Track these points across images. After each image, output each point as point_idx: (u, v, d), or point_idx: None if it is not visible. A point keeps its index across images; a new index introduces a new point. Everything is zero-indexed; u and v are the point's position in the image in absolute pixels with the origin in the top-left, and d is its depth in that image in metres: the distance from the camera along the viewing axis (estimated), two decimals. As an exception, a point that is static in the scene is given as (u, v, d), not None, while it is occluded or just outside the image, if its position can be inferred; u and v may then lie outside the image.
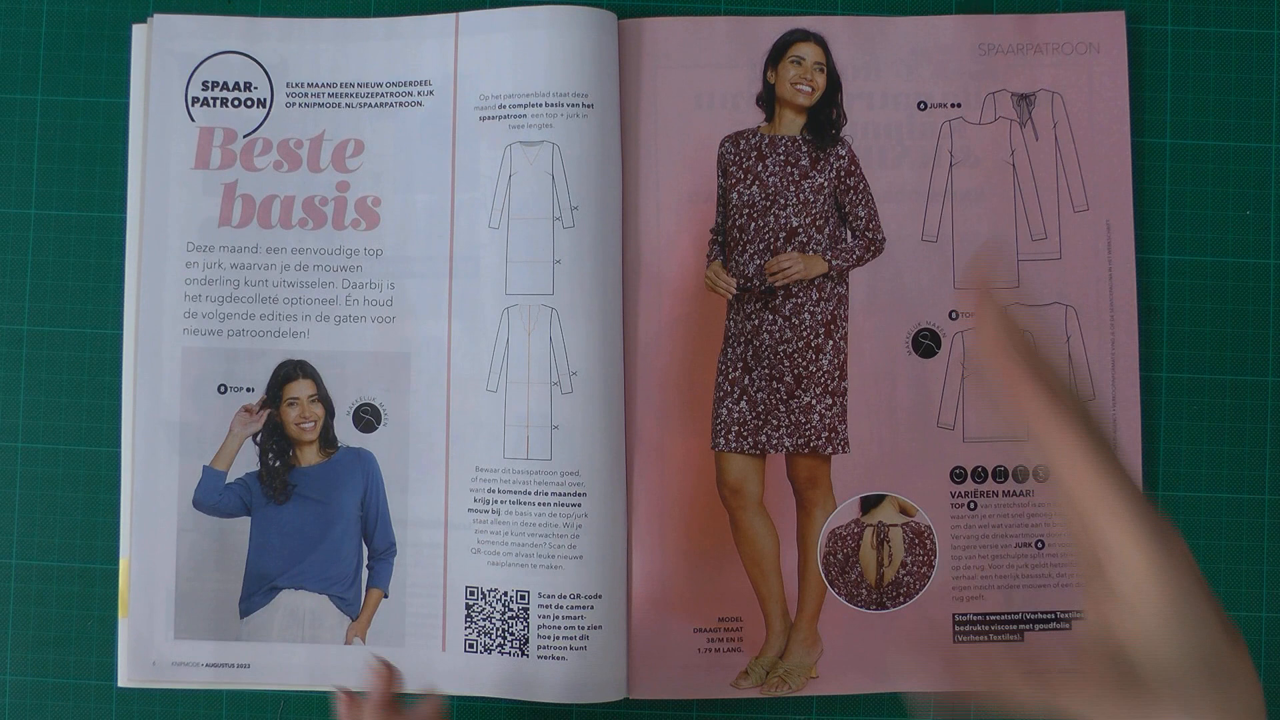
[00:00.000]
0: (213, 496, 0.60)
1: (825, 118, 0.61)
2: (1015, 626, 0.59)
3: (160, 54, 0.61)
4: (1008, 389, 0.41)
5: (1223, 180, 0.61)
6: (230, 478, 0.60)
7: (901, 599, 0.60)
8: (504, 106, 0.60)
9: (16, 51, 0.62)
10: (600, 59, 0.59)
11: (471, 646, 0.59)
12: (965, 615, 0.60)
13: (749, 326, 0.60)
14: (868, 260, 0.60)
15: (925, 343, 0.60)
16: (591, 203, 0.59)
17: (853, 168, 0.61)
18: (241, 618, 0.59)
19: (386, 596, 0.60)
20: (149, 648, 0.59)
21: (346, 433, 0.60)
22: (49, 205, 0.62)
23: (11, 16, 0.62)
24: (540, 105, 0.59)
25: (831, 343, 0.60)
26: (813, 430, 0.60)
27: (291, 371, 0.60)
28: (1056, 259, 0.61)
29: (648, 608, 0.59)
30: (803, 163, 0.61)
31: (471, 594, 0.59)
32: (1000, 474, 0.60)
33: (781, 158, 0.61)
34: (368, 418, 0.60)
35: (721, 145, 0.61)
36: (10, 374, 0.61)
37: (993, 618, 0.60)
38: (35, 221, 0.62)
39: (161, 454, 0.60)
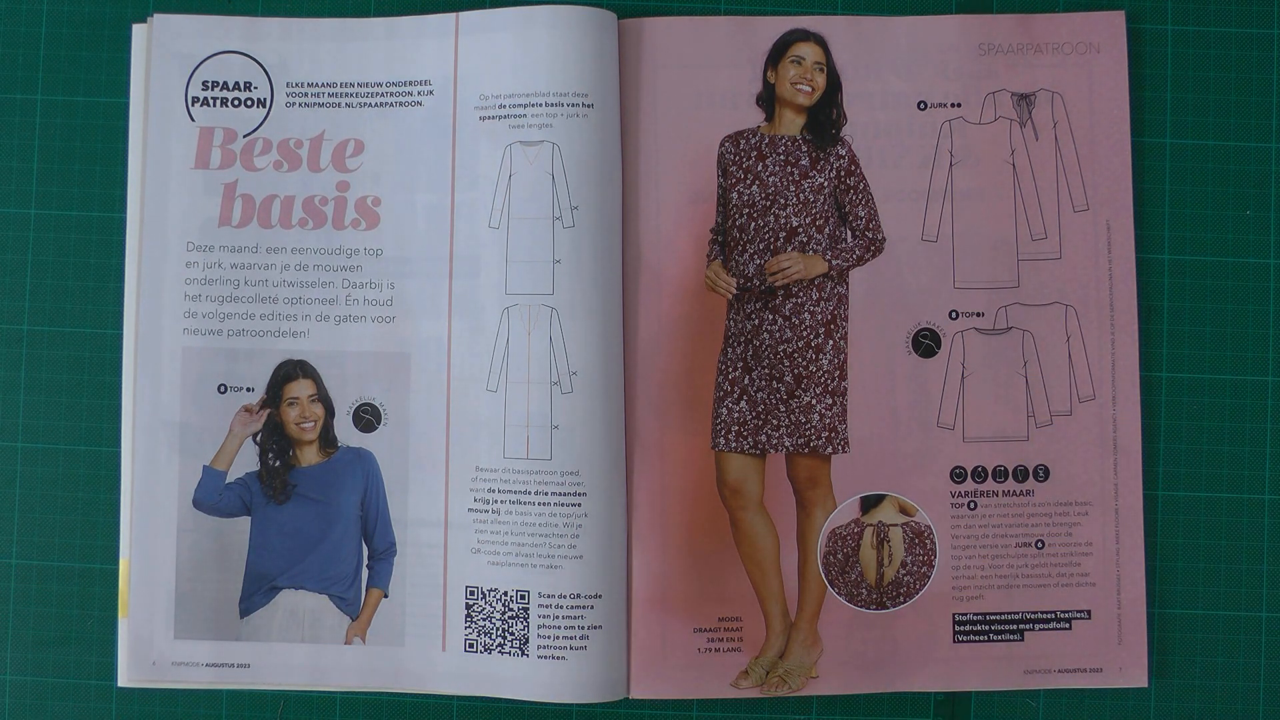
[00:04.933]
0: (213, 496, 0.60)
1: (825, 117, 0.61)
2: (1015, 626, 0.60)
3: (160, 54, 0.61)
4: None
5: (1223, 180, 0.61)
6: (230, 478, 0.60)
7: (901, 599, 0.60)
8: (504, 106, 0.60)
9: (16, 51, 0.62)
10: (600, 59, 0.59)
11: (471, 646, 0.59)
12: (965, 615, 0.60)
13: (749, 326, 0.60)
14: (868, 260, 0.60)
15: (925, 343, 0.60)
16: (591, 203, 0.59)
17: (853, 167, 0.61)
18: (241, 618, 0.59)
19: (386, 596, 0.60)
20: (149, 648, 0.59)
21: (346, 433, 0.60)
22: (49, 205, 0.62)
23: (11, 16, 0.62)
24: (540, 105, 0.59)
25: (831, 343, 0.60)
26: (813, 430, 0.60)
27: (291, 371, 0.60)
28: (1056, 259, 0.61)
29: (648, 608, 0.59)
30: (803, 162, 0.61)
31: (471, 594, 0.59)
32: (1000, 474, 0.60)
33: (781, 157, 0.61)
34: (368, 418, 0.60)
35: (721, 145, 0.61)
36: (10, 374, 0.61)
37: (993, 618, 0.60)
38: (35, 221, 0.62)
39: (161, 454, 0.60)
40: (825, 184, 0.61)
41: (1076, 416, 0.60)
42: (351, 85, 0.61)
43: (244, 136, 0.61)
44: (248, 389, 0.60)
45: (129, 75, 0.62)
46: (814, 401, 0.60)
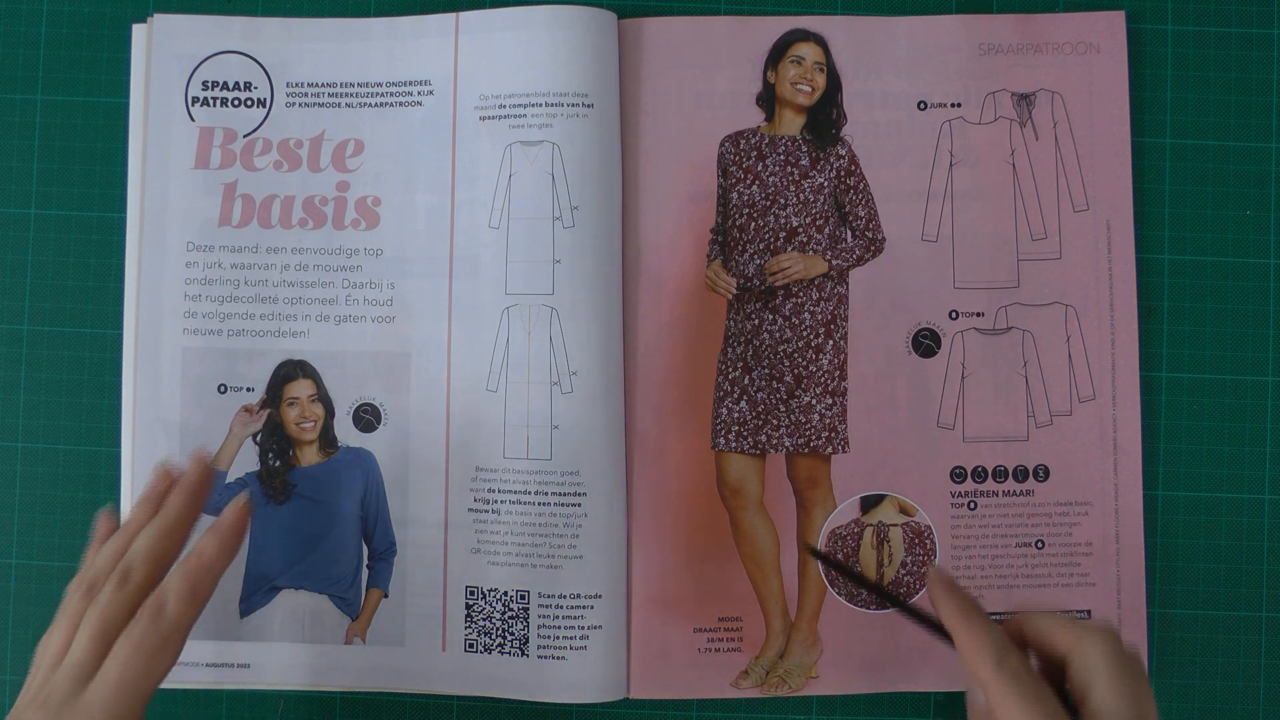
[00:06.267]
0: (213, 496, 0.60)
1: (825, 117, 0.61)
2: (1015, 626, 0.59)
3: (160, 54, 0.61)
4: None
5: (1223, 180, 0.61)
6: (230, 478, 0.60)
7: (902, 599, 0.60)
8: (504, 106, 0.60)
9: (16, 51, 0.62)
10: (600, 59, 0.59)
11: (471, 646, 0.59)
12: (965, 615, 0.60)
13: (749, 326, 0.60)
14: (868, 260, 0.60)
15: (925, 343, 0.60)
16: (591, 203, 0.59)
17: (853, 167, 0.61)
18: (241, 618, 0.59)
19: (386, 596, 0.60)
20: (149, 648, 0.59)
21: (346, 433, 0.60)
22: (49, 205, 0.62)
23: (11, 16, 0.62)
24: (540, 105, 0.59)
25: (831, 342, 0.60)
26: (813, 430, 0.60)
27: (291, 371, 0.60)
28: (1056, 259, 0.61)
29: (648, 608, 0.59)
30: (803, 162, 0.61)
31: (471, 594, 0.59)
32: (1000, 474, 0.60)
33: (781, 157, 0.61)
34: (368, 418, 0.60)
35: (721, 145, 0.61)
36: (10, 374, 0.61)
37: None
38: (35, 221, 0.62)
39: (161, 454, 0.60)
40: (825, 184, 0.61)
41: (1076, 416, 0.60)
42: (351, 85, 0.61)
43: (244, 136, 0.61)
44: (248, 389, 0.60)
45: (129, 75, 0.62)
46: (814, 401, 0.60)
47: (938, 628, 0.48)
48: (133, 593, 0.47)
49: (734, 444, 0.60)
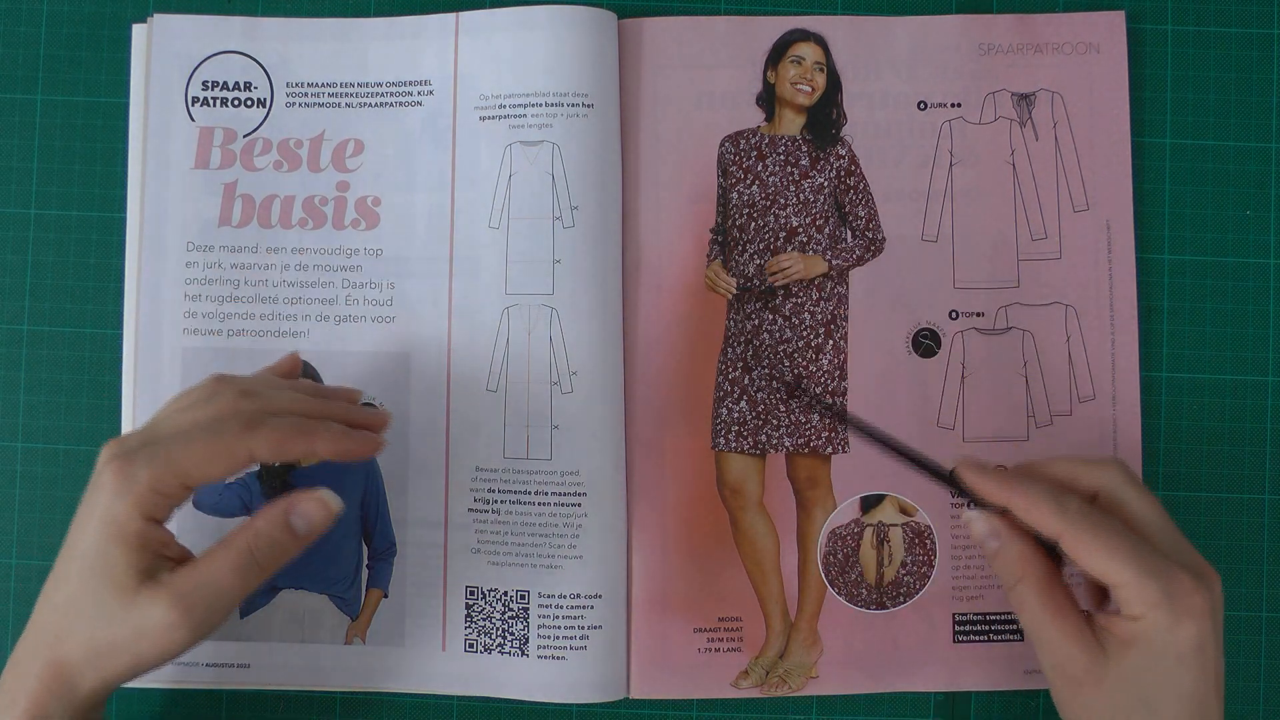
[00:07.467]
0: (213, 496, 0.60)
1: (825, 117, 0.61)
2: (1015, 626, 0.59)
3: (160, 54, 0.61)
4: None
5: (1223, 180, 0.61)
6: (230, 478, 0.60)
7: (901, 599, 0.60)
8: (504, 106, 0.60)
9: (16, 51, 0.62)
10: (600, 59, 0.59)
11: (471, 646, 0.59)
12: (965, 615, 0.60)
13: (749, 326, 0.60)
14: (868, 260, 0.60)
15: (925, 343, 0.60)
16: (591, 203, 0.59)
17: (853, 167, 0.61)
18: (241, 618, 0.59)
19: (386, 596, 0.60)
20: (149, 648, 0.59)
21: (346, 433, 0.60)
22: (49, 205, 0.62)
23: (11, 16, 0.62)
24: (540, 105, 0.59)
25: (831, 343, 0.60)
26: (813, 430, 0.60)
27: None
28: (1056, 259, 0.61)
29: (648, 608, 0.59)
30: (803, 162, 0.61)
31: (471, 594, 0.59)
32: (1000, 474, 0.60)
33: (781, 157, 0.61)
34: (368, 418, 0.60)
35: (721, 145, 0.61)
36: (10, 374, 0.61)
37: (993, 617, 0.60)
38: (35, 221, 0.62)
39: (161, 454, 0.59)
40: (825, 184, 0.61)
41: (1076, 417, 0.60)
42: (351, 85, 0.61)
43: (244, 136, 0.61)
44: (248, 389, 0.60)
45: (129, 75, 0.62)
46: (814, 402, 0.60)
47: (938, 473, 0.51)
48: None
49: (734, 444, 0.60)
